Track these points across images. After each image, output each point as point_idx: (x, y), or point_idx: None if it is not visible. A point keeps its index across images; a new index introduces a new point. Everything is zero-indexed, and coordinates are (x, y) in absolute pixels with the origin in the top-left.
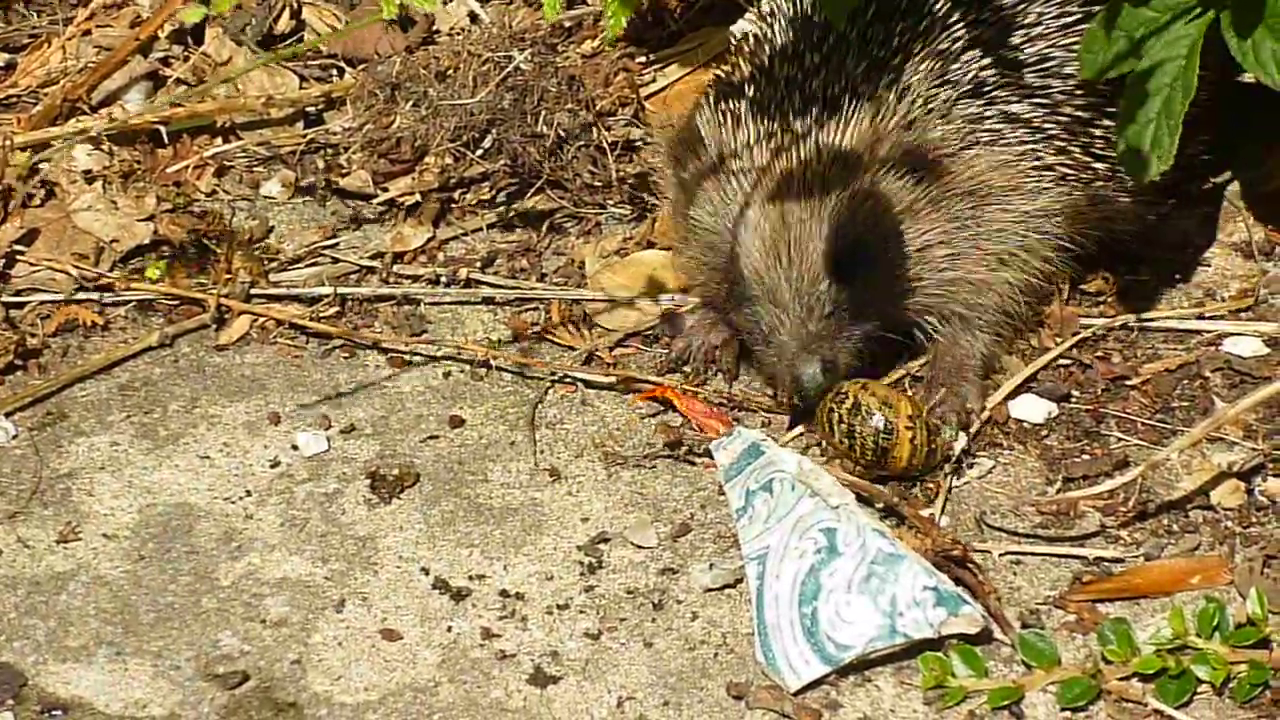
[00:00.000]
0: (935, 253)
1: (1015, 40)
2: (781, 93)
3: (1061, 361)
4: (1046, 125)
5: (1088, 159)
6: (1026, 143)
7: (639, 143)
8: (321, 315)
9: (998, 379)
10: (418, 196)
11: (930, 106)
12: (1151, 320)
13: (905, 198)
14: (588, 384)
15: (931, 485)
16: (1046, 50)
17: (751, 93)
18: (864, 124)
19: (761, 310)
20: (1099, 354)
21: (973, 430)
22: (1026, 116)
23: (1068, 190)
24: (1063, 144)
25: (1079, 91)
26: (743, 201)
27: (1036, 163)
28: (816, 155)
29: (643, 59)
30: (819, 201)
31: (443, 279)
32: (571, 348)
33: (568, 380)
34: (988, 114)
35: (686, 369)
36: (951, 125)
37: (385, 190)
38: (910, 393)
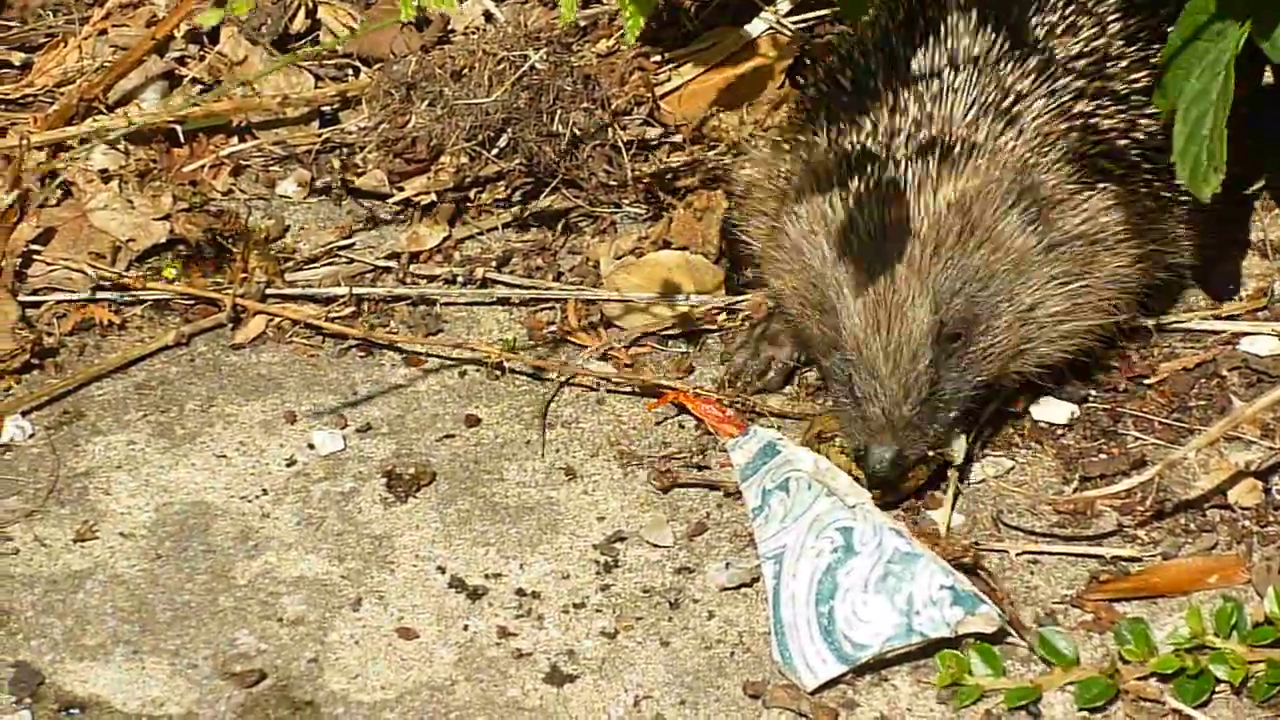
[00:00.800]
0: (1049, 307)
1: (1113, 73)
2: (880, 131)
3: (1081, 360)
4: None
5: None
6: (1133, 181)
7: (654, 142)
8: (337, 315)
9: None
10: (433, 196)
11: (1045, 148)
12: (1168, 320)
13: (1019, 247)
14: (604, 383)
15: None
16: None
17: (844, 131)
18: (978, 172)
19: (856, 377)
20: (1119, 354)
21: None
22: (1135, 157)
23: (1175, 219)
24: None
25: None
26: (844, 253)
27: (1144, 204)
28: (924, 209)
29: (658, 58)
30: (927, 263)
31: (459, 279)
32: (587, 348)
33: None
34: (1100, 153)
35: (739, 383)
36: (1067, 168)
37: (401, 190)
38: None
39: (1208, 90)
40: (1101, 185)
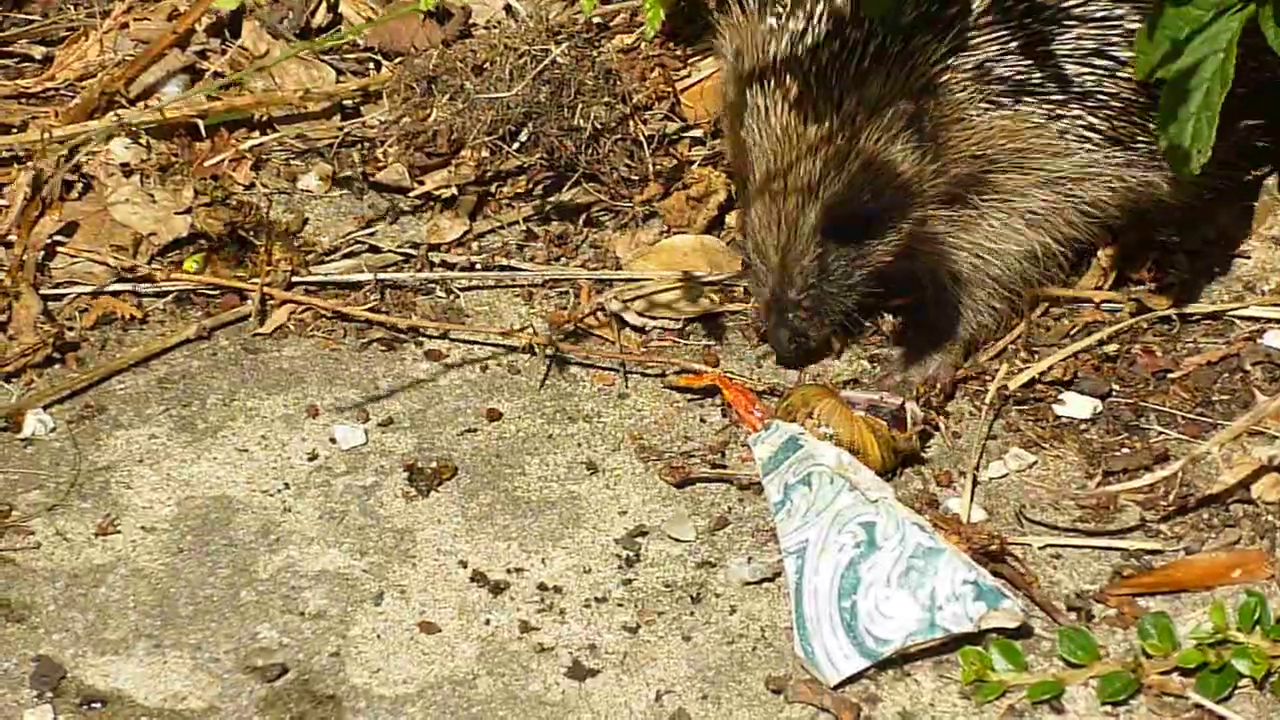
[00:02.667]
0: (937, 224)
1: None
2: (818, 48)
3: (1105, 351)
4: (1090, 87)
5: (1134, 129)
6: (1057, 104)
7: (675, 136)
8: (362, 303)
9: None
10: (454, 190)
11: (958, 63)
12: (1191, 314)
13: (907, 168)
14: (634, 371)
15: (947, 473)
16: (1081, 35)
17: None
18: (871, 90)
19: (753, 260)
20: (1143, 348)
21: (932, 403)
22: (1073, 76)
23: (1101, 155)
24: (1110, 111)
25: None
26: (754, 147)
27: (1068, 124)
28: (825, 118)
29: (679, 53)
30: (818, 170)
31: (477, 265)
32: (606, 339)
33: (614, 369)
34: (1008, 81)
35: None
36: (965, 91)
37: (421, 184)
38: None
39: (1202, 65)
40: (1012, 107)
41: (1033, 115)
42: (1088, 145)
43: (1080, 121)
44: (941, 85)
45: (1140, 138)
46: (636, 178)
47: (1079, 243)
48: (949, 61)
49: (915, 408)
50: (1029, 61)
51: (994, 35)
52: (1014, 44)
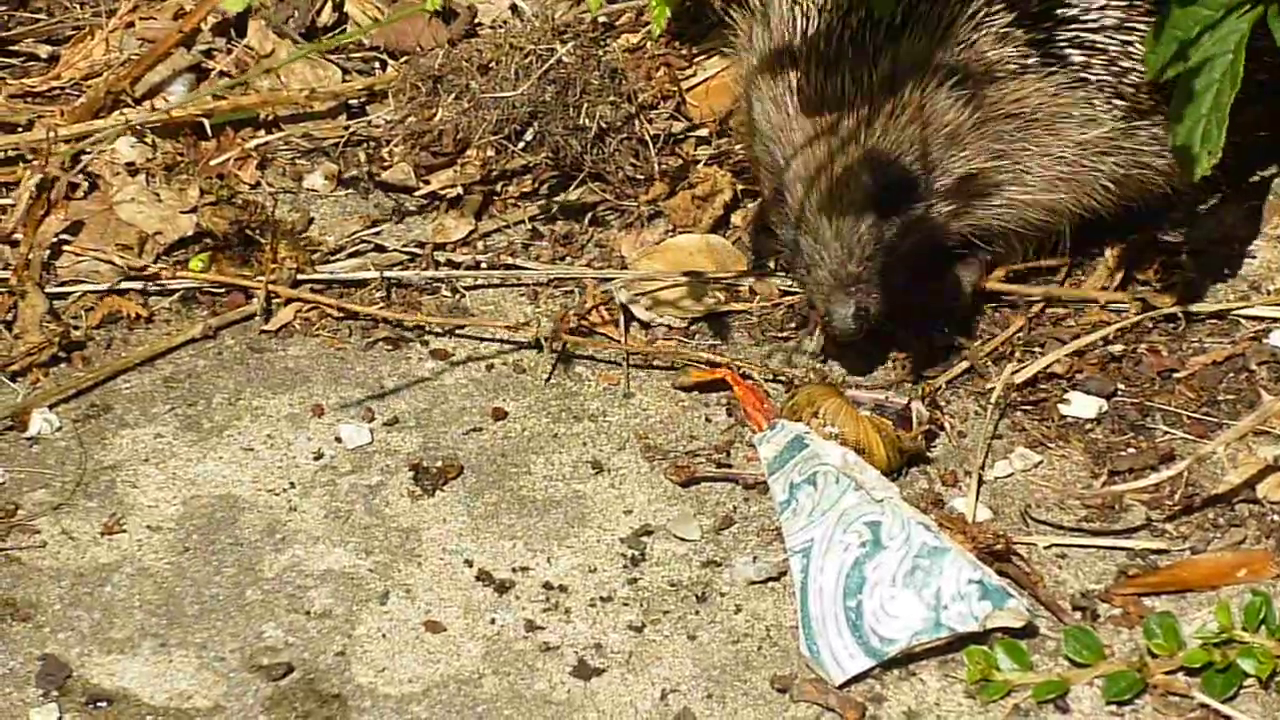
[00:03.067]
0: (985, 178)
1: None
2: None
3: (1111, 351)
4: (1115, 54)
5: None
6: (1086, 70)
7: (680, 135)
8: (367, 302)
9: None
10: (460, 189)
11: (988, 30)
12: (1197, 313)
13: (950, 121)
14: (638, 367)
15: (952, 472)
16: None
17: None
18: (911, 47)
19: (803, 242)
20: (1148, 347)
21: (937, 402)
22: (1078, 59)
23: (1123, 127)
24: (1111, 88)
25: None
26: (789, 120)
27: (1096, 91)
28: (865, 76)
29: (684, 52)
30: (862, 135)
31: (483, 264)
32: (612, 338)
33: (618, 363)
34: (1048, 40)
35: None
36: (1006, 49)
37: (427, 183)
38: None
39: (1211, 66)
40: (1049, 68)
41: (1062, 80)
42: (1114, 113)
43: (1107, 88)
44: (975, 46)
45: (1159, 114)
46: (642, 177)
47: (1093, 215)
48: (979, 24)
49: (920, 407)
50: (1052, 27)
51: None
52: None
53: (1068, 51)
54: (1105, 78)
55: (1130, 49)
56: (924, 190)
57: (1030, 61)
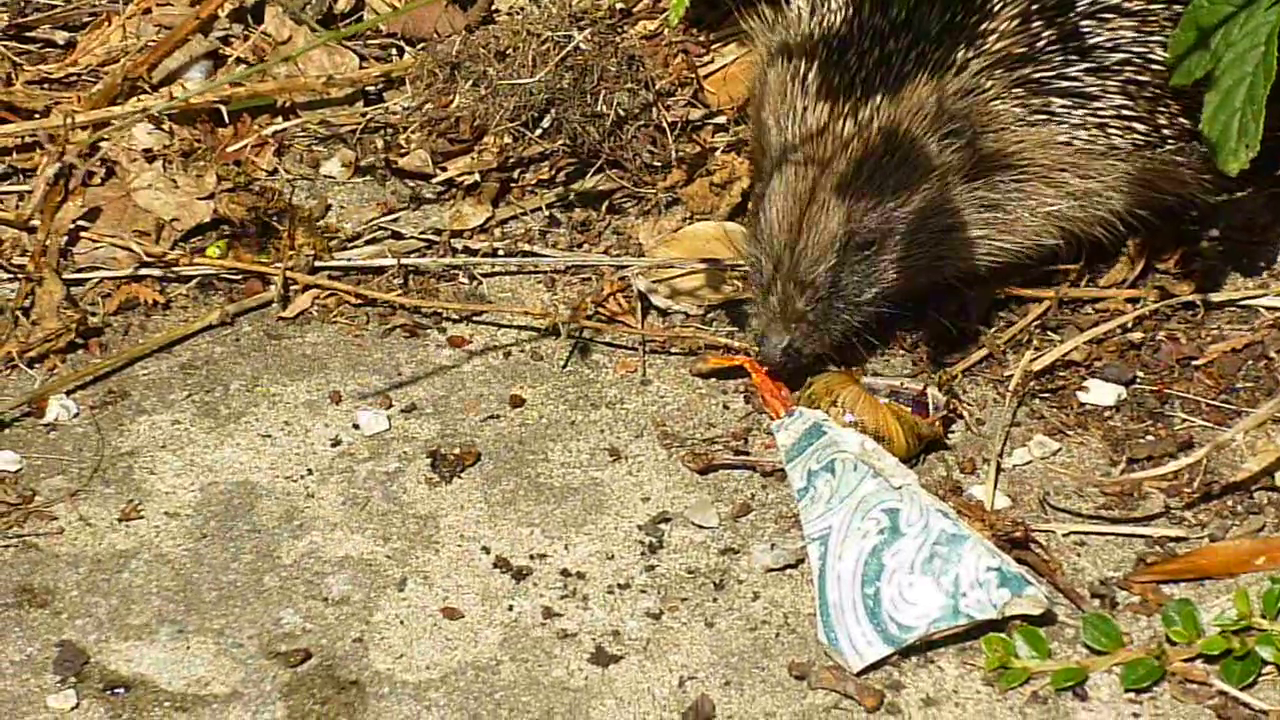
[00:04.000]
0: (968, 231)
1: (1083, 19)
2: (853, 48)
3: (1130, 338)
4: (1113, 96)
5: (1158, 132)
6: (1088, 119)
7: (699, 123)
8: (385, 288)
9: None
10: (477, 176)
11: (995, 73)
12: (1216, 300)
13: (940, 171)
14: (659, 353)
15: (970, 460)
16: (1119, 28)
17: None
18: (912, 94)
19: (764, 264)
20: (1167, 335)
21: (954, 390)
22: (1092, 91)
23: (1129, 166)
24: (1128, 118)
25: (1152, 69)
26: (782, 143)
27: (1095, 140)
28: (858, 121)
29: (702, 39)
30: (849, 175)
31: (500, 251)
32: (629, 326)
33: (635, 349)
34: (1046, 87)
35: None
36: (1012, 95)
37: (444, 170)
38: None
39: (1243, 59)
40: (1042, 117)
41: (1065, 125)
42: (1118, 155)
43: (1116, 114)
44: (976, 89)
45: (1170, 129)
46: (659, 164)
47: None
48: (984, 66)
49: (937, 393)
50: (1064, 57)
51: (1029, 33)
52: (1047, 41)
53: (1077, 83)
54: (1119, 101)
55: (1150, 58)
56: (899, 239)
57: (1034, 107)
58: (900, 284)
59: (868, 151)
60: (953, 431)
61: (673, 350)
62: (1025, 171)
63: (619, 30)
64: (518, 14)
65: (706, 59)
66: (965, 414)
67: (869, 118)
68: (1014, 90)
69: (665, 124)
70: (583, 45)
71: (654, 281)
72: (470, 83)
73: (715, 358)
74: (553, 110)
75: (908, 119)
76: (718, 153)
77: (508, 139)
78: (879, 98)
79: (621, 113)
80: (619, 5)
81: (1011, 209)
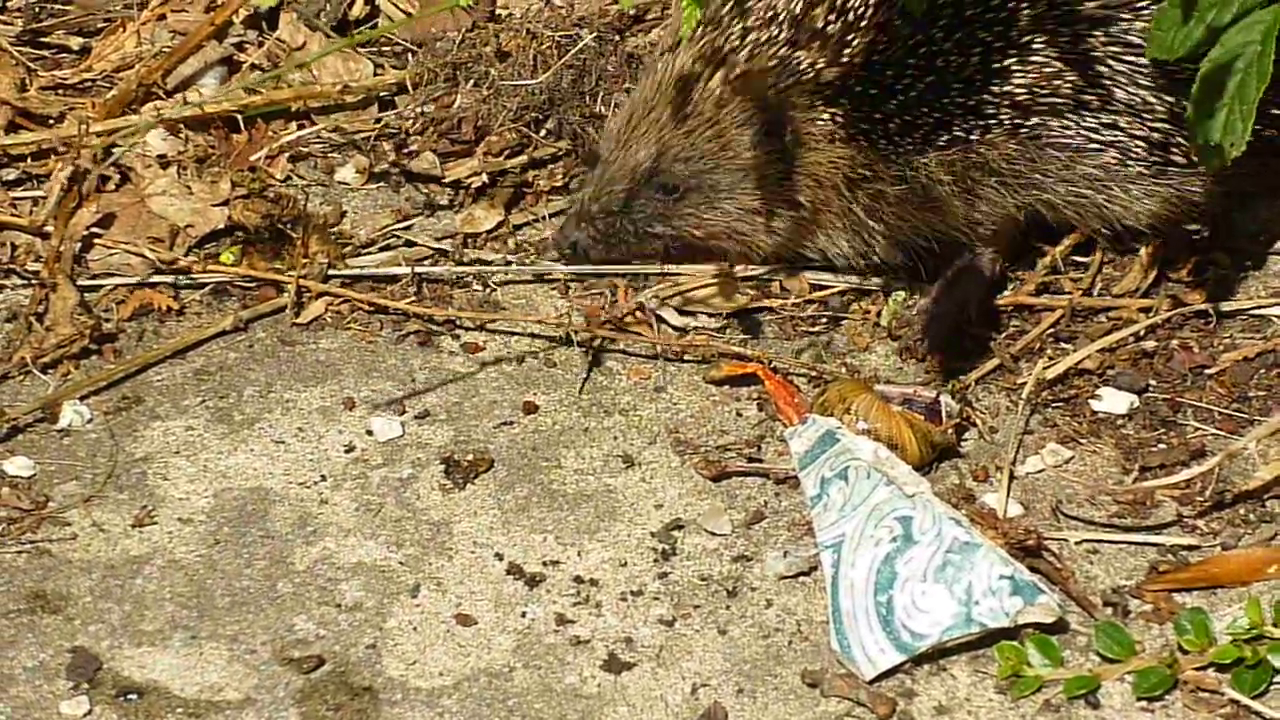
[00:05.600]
0: (763, 219)
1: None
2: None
3: (1142, 347)
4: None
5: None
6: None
7: None
8: (399, 295)
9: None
10: (484, 178)
11: (814, 80)
12: (1228, 309)
13: (747, 158)
14: (673, 360)
15: (983, 467)
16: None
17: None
18: (745, 79)
19: (592, 163)
20: (1180, 343)
21: (967, 397)
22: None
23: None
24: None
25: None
26: (644, 80)
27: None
28: (701, 84)
29: None
30: (669, 124)
31: (514, 262)
32: (642, 336)
33: (650, 358)
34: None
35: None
36: (823, 105)
37: (448, 172)
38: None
39: (1237, 57)
40: (856, 134)
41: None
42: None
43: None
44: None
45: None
46: None
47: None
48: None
49: (950, 400)
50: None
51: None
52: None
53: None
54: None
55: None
56: (701, 198)
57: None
58: (697, 234)
59: (693, 111)
60: (965, 439)
61: (686, 358)
62: (818, 179)
63: (621, 31)
64: (524, 16)
65: None
66: (978, 422)
67: (710, 87)
68: (818, 99)
69: None
70: (586, 46)
71: (666, 297)
72: (472, 83)
73: (729, 365)
74: (554, 112)
75: (732, 101)
76: None
77: (510, 136)
78: (722, 73)
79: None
80: (631, 10)
81: (804, 208)
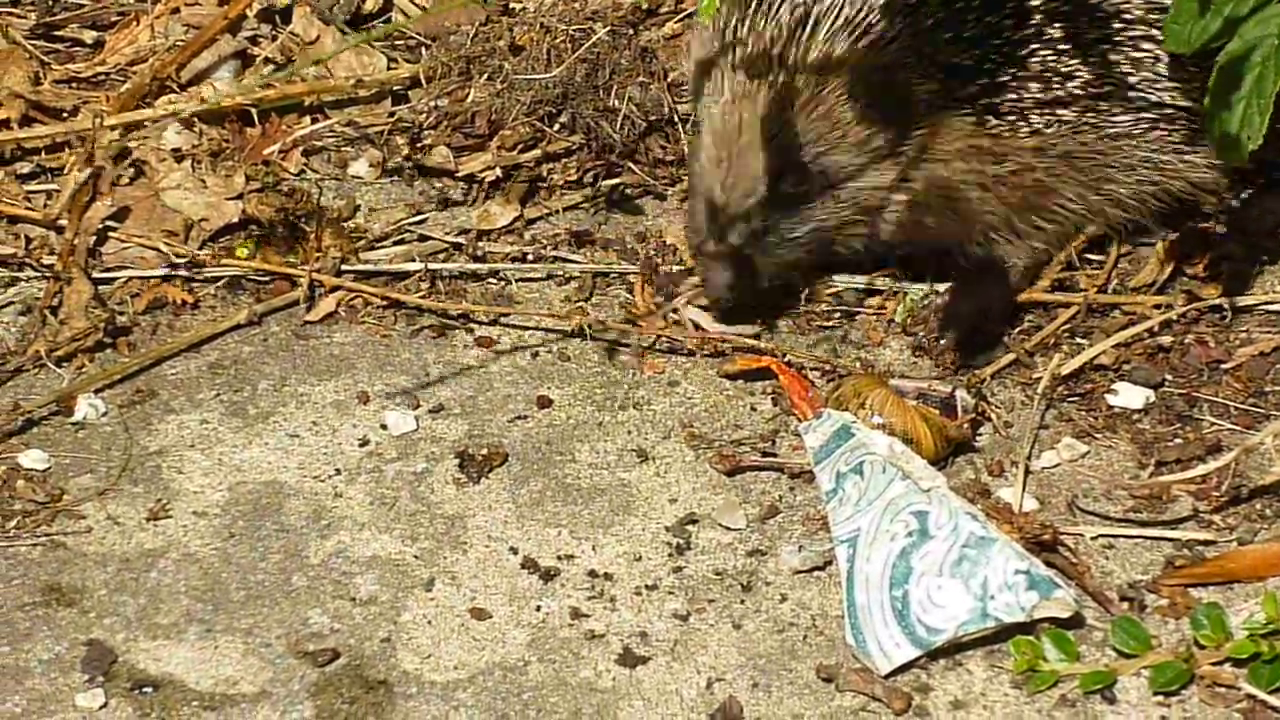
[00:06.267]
0: (893, 204)
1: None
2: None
3: (1158, 341)
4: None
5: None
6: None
7: None
8: (413, 290)
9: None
10: (498, 172)
11: (917, 59)
12: (1244, 304)
13: (865, 138)
14: (685, 354)
15: (999, 462)
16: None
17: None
18: (848, 48)
19: (696, 206)
20: (1196, 338)
21: (983, 391)
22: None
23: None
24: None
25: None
26: (709, 82)
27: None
28: (793, 67)
29: None
30: (776, 117)
31: (529, 256)
32: (662, 332)
33: (665, 348)
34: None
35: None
36: (931, 83)
37: (462, 166)
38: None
39: (1254, 48)
40: (957, 109)
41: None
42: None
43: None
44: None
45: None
46: (673, 158)
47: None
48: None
49: (966, 395)
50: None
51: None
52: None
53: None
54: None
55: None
56: (827, 192)
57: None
58: (831, 234)
59: (799, 98)
60: (981, 434)
61: (701, 353)
62: (931, 152)
63: (635, 25)
64: (535, 9)
65: None
66: (993, 416)
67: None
68: (929, 78)
69: (677, 118)
70: (599, 40)
71: (697, 301)
72: (485, 77)
73: (743, 359)
74: (568, 105)
75: (843, 78)
76: None
77: (525, 131)
78: (811, 47)
79: (633, 106)
80: (644, 4)
81: (922, 185)
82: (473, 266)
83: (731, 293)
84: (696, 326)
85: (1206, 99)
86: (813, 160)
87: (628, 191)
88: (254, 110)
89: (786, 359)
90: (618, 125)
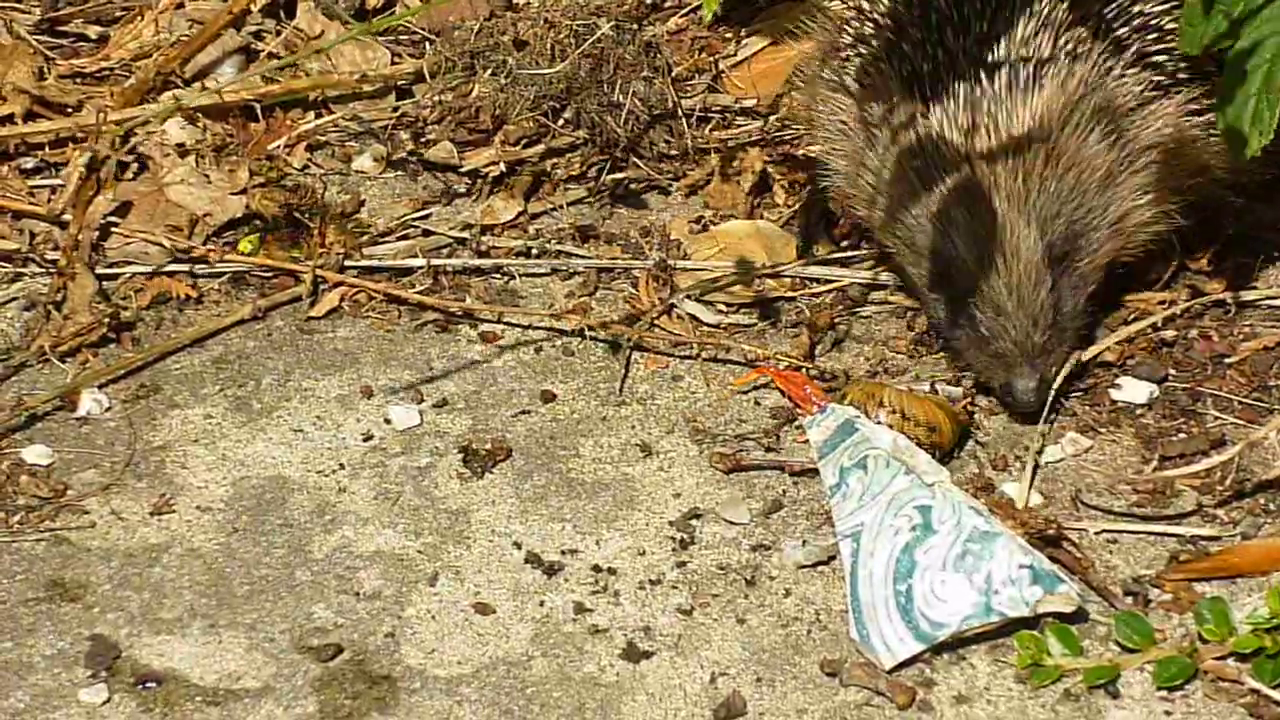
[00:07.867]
0: (1139, 214)
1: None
2: (935, 57)
3: (1162, 336)
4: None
5: None
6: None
7: (719, 112)
8: (415, 287)
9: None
10: (502, 167)
11: (1115, 56)
12: (1248, 299)
13: (1104, 163)
14: (686, 354)
15: (1003, 457)
16: None
17: (892, 58)
18: (1055, 91)
19: (981, 316)
20: (1199, 333)
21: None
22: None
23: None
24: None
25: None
26: (934, 188)
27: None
28: (1006, 134)
29: (729, 35)
30: (1021, 191)
31: (533, 250)
32: (664, 328)
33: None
34: (1154, 70)
35: None
36: (1138, 74)
37: (465, 160)
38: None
39: (1262, 46)
40: (1172, 88)
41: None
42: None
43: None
44: (1110, 76)
45: None
46: (676, 154)
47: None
48: (1110, 53)
49: (950, 388)
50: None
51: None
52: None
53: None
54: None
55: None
56: (1085, 243)
57: (1152, 90)
58: (1099, 279)
59: (1030, 163)
60: (986, 429)
61: (705, 345)
62: (1170, 144)
63: (640, 20)
64: (539, 3)
65: (729, 50)
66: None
67: (1012, 127)
68: (1132, 70)
69: (681, 113)
70: (603, 34)
71: (700, 295)
72: (489, 72)
73: (741, 380)
74: (573, 101)
75: (1056, 120)
76: (732, 143)
77: (529, 126)
78: (1016, 103)
79: (638, 101)
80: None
81: (1169, 182)
82: (476, 262)
83: (1041, 395)
84: (700, 323)
85: (1219, 95)
86: (1071, 216)
87: (632, 186)
88: (258, 105)
89: (783, 364)
90: (622, 120)
